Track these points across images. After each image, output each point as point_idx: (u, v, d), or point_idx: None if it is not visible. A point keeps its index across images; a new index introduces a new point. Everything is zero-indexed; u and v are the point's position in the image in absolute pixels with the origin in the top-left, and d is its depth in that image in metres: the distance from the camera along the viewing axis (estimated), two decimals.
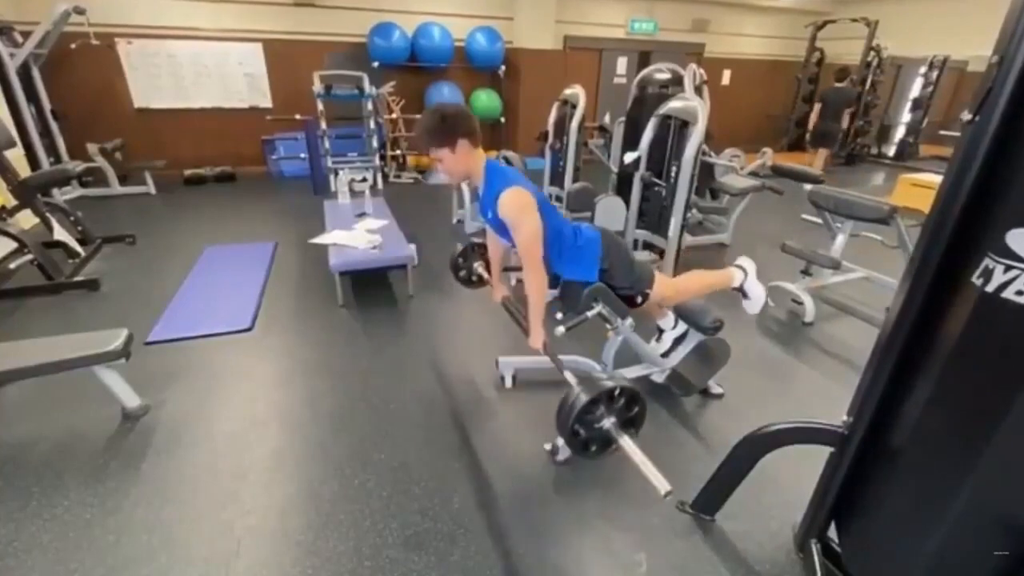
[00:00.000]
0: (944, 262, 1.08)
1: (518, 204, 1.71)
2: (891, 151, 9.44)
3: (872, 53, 8.10)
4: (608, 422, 1.47)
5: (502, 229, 1.85)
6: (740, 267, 2.36)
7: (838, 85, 7.24)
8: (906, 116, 9.33)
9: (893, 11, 8.55)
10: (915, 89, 9.09)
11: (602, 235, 2.03)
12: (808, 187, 3.44)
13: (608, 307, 2.02)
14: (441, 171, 1.81)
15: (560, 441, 1.90)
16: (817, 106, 7.40)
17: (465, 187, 4.64)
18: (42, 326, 2.93)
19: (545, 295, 1.83)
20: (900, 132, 9.53)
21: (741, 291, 2.36)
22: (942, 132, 9.24)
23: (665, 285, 2.16)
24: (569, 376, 1.64)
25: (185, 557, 1.60)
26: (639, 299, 2.10)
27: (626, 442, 1.45)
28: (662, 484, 1.32)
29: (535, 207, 1.75)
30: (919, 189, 5.77)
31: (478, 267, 2.48)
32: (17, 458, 1.97)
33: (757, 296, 2.34)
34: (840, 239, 3.35)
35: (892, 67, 8.83)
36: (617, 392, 1.47)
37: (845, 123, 7.33)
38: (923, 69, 8.69)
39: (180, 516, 1.74)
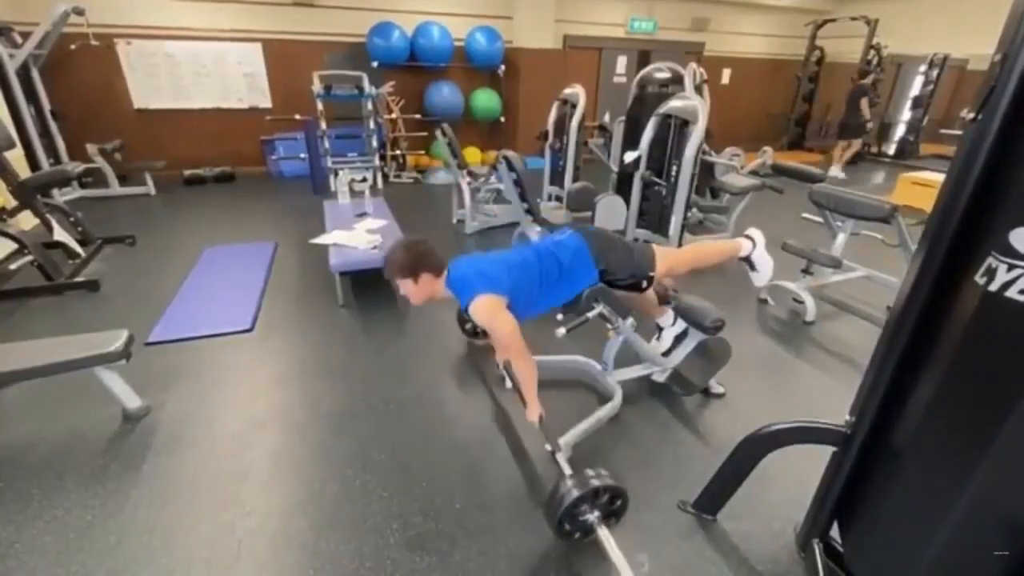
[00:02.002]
0: (947, 261, 1.08)
1: (487, 312, 1.81)
2: (891, 150, 9.43)
3: (872, 52, 8.09)
4: (592, 516, 1.57)
5: None
6: (749, 237, 2.32)
7: (862, 82, 7.42)
8: (906, 114, 9.32)
9: (893, 9, 8.54)
10: (915, 87, 9.07)
11: (587, 239, 2.03)
12: (815, 185, 3.43)
13: (608, 307, 2.02)
14: (407, 295, 1.93)
15: (561, 441, 1.90)
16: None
17: (465, 187, 4.64)
18: (42, 327, 2.93)
19: (535, 377, 1.89)
20: (900, 131, 9.51)
21: (748, 262, 2.32)
22: (943, 131, 9.23)
23: (670, 258, 2.17)
24: (562, 462, 1.72)
25: (186, 558, 1.59)
26: (645, 283, 2.09)
27: (604, 533, 1.55)
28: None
29: (503, 307, 1.83)
30: (920, 188, 5.76)
31: None
32: (18, 459, 1.97)
33: (765, 268, 2.30)
34: (841, 238, 3.35)
35: (892, 65, 8.82)
36: (603, 491, 1.56)
37: (866, 114, 7.41)
38: (923, 67, 8.67)
39: (181, 517, 1.74)
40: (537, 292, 1.95)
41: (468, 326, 2.72)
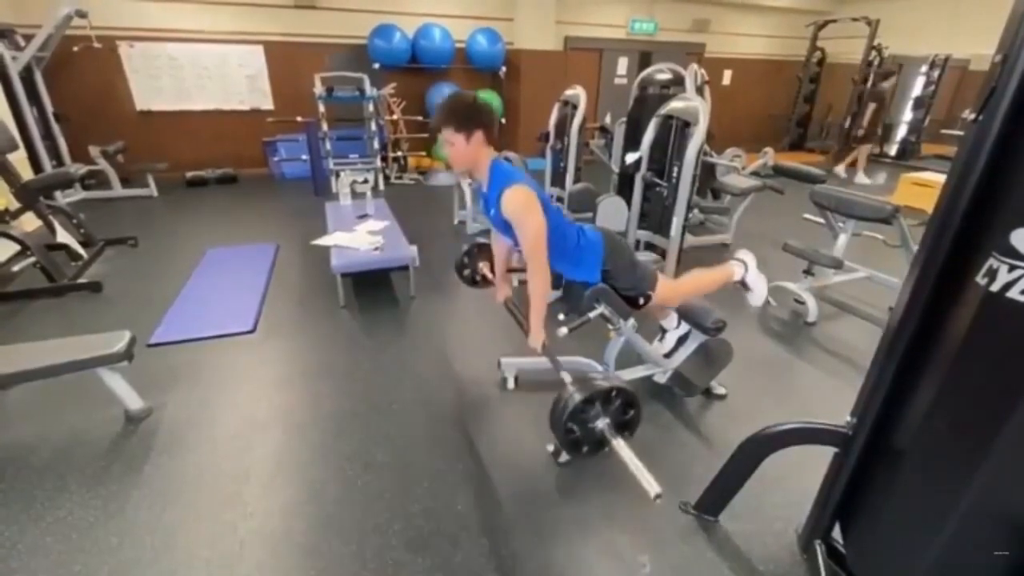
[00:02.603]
0: (948, 262, 1.08)
1: (522, 202, 1.70)
2: (893, 150, 9.41)
3: (873, 52, 8.09)
4: (602, 423, 1.48)
5: (505, 228, 1.85)
6: (740, 260, 2.36)
7: (882, 84, 7.41)
8: (908, 115, 9.31)
9: (894, 10, 8.54)
10: (917, 88, 9.06)
11: (604, 237, 2.03)
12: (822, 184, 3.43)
13: (610, 308, 2.02)
14: (449, 155, 1.79)
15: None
16: (872, 105, 7.49)
17: (467, 188, 4.64)
18: (45, 328, 2.94)
19: (548, 295, 1.83)
20: (902, 131, 9.50)
21: (743, 284, 2.36)
22: (944, 131, 9.22)
23: (668, 287, 2.16)
24: (565, 376, 1.64)
25: (188, 559, 1.60)
26: (641, 300, 2.09)
27: (619, 444, 1.45)
28: (652, 487, 1.33)
29: (539, 205, 1.74)
30: (921, 188, 5.76)
31: (483, 267, 2.48)
32: (21, 460, 1.97)
33: (759, 288, 2.35)
34: (842, 239, 3.35)
35: (894, 66, 8.80)
36: (613, 393, 1.47)
37: (865, 120, 7.37)
38: (925, 68, 8.66)
39: (183, 518, 1.74)
40: (552, 243, 1.85)
41: (467, 272, 2.56)
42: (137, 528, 1.69)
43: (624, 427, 1.53)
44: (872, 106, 7.36)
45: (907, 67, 9.17)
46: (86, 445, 2.05)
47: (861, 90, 8.29)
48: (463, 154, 1.74)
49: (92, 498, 1.80)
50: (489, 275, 2.45)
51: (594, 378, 1.50)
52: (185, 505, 1.79)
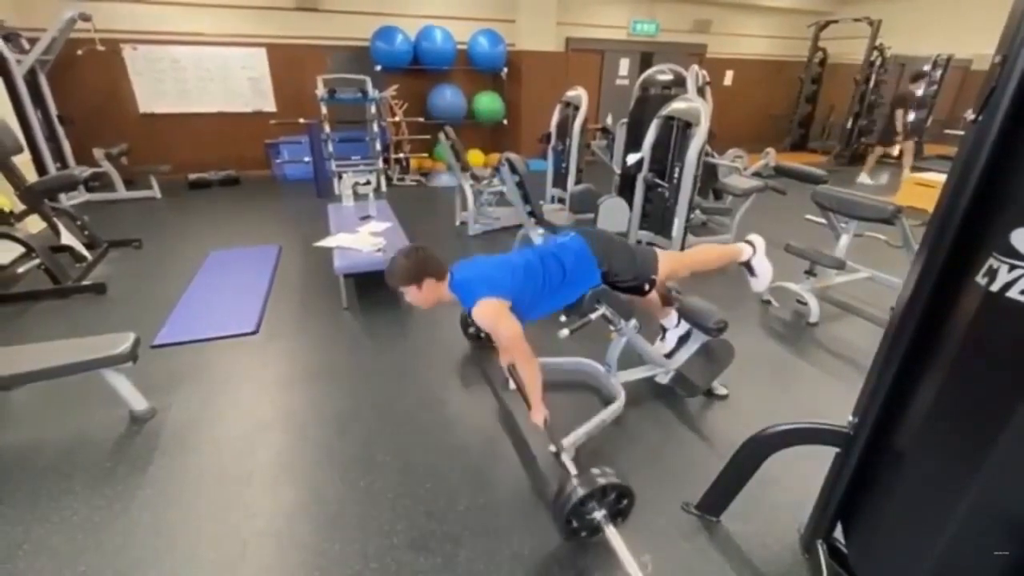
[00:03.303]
0: (949, 262, 1.08)
1: (491, 316, 1.82)
2: (895, 150, 9.39)
3: (875, 52, 8.08)
4: (599, 514, 1.58)
5: None
6: (750, 243, 2.35)
7: (911, 87, 7.31)
8: (910, 115, 9.28)
9: (896, 10, 8.53)
10: (919, 88, 9.04)
11: (589, 241, 2.04)
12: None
13: (611, 309, 2.02)
14: (414, 302, 1.95)
15: (564, 442, 1.90)
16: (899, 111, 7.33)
17: (468, 189, 4.66)
18: (50, 330, 2.96)
19: (539, 378, 1.89)
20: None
21: (748, 267, 2.34)
22: (946, 131, 9.20)
23: (671, 261, 2.18)
24: (567, 462, 1.73)
25: (192, 559, 1.61)
26: (647, 286, 2.10)
27: (611, 532, 1.55)
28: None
29: (506, 311, 1.84)
30: (923, 188, 5.75)
31: None
32: (26, 461, 1.98)
33: (764, 273, 2.33)
34: (844, 239, 3.34)
35: (896, 66, 8.80)
36: (609, 489, 1.57)
37: (899, 122, 7.21)
38: (927, 68, 8.65)
39: (187, 519, 1.75)
40: (540, 295, 1.96)
41: (471, 329, 2.72)
42: (142, 528, 1.70)
43: (618, 515, 1.64)
44: (899, 111, 7.15)
45: (909, 67, 9.15)
46: (91, 446, 2.07)
47: (863, 90, 8.28)
48: (423, 298, 1.92)
49: (97, 498, 1.81)
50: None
51: (594, 475, 1.58)
52: (189, 505, 1.80)
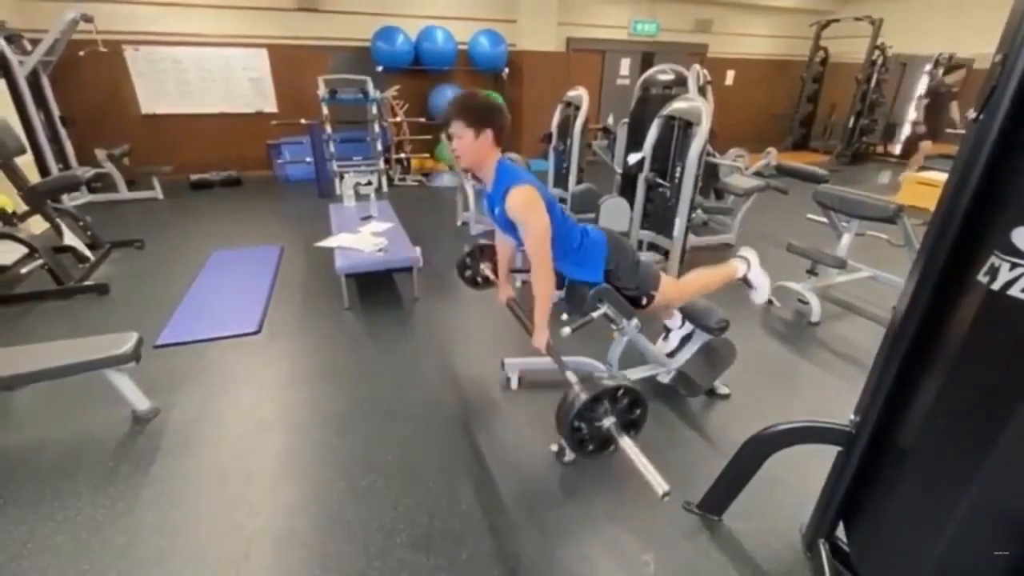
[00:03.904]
0: (950, 260, 1.09)
1: (527, 201, 1.70)
2: (897, 149, 9.39)
3: (877, 52, 8.07)
4: (608, 421, 1.49)
5: (509, 227, 1.86)
6: (743, 258, 2.36)
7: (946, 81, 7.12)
8: (912, 114, 9.28)
9: (897, 9, 8.52)
10: (921, 87, 9.03)
11: (608, 237, 2.04)
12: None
13: (613, 308, 2.03)
14: (455, 148, 1.78)
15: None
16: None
17: (470, 189, 4.66)
18: (53, 330, 2.97)
19: (553, 295, 1.84)
20: (906, 130, 9.47)
21: (746, 282, 2.36)
22: (948, 130, 9.18)
23: (671, 287, 2.16)
24: (571, 376, 1.65)
25: (195, 559, 1.61)
26: (644, 301, 2.10)
27: (626, 442, 1.46)
28: (660, 484, 1.33)
29: (543, 205, 1.75)
30: (925, 187, 5.74)
31: (485, 268, 2.49)
32: (30, 461, 1.99)
33: (762, 285, 2.35)
34: (846, 238, 3.34)
35: (897, 65, 8.78)
36: (620, 392, 1.48)
37: (956, 113, 6.98)
38: (928, 67, 8.64)
39: (190, 518, 1.76)
40: (556, 242, 1.86)
41: (468, 273, 2.57)
42: (145, 527, 1.71)
43: (630, 426, 1.54)
44: (954, 102, 6.95)
45: (911, 66, 9.14)
46: (94, 445, 2.07)
47: (865, 89, 8.27)
48: (470, 149, 1.75)
49: (101, 498, 1.82)
50: (491, 276, 2.46)
51: (600, 377, 1.51)
52: (192, 505, 1.81)
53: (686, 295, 2.27)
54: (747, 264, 2.34)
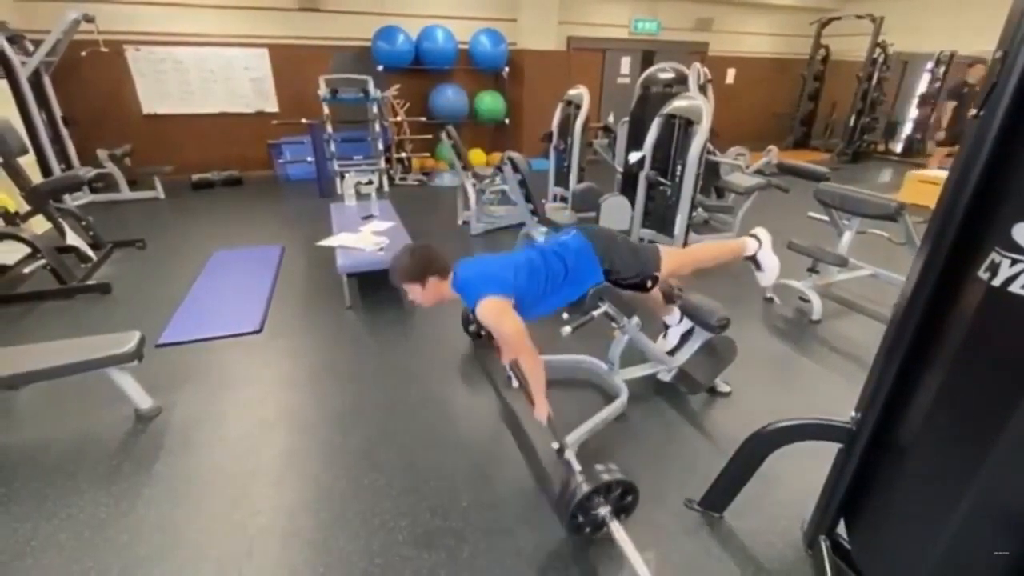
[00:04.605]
0: (951, 257, 1.09)
1: (493, 314, 1.81)
2: (898, 147, 9.37)
3: (878, 50, 8.05)
4: (603, 510, 1.58)
5: None
6: (755, 237, 2.31)
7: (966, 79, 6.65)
8: (913, 112, 9.27)
9: (898, 7, 8.50)
10: (922, 85, 9.02)
11: (591, 239, 2.04)
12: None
13: (613, 306, 2.03)
14: (415, 300, 1.97)
15: (568, 439, 1.91)
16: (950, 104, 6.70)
17: (470, 188, 4.66)
18: (55, 329, 2.98)
19: (543, 375, 1.89)
20: (907, 128, 9.46)
21: (754, 261, 2.31)
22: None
23: (674, 258, 2.16)
24: (571, 459, 1.73)
25: (198, 556, 1.62)
26: (649, 283, 2.10)
27: (616, 527, 1.56)
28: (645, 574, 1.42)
29: (510, 309, 1.83)
30: (927, 185, 5.73)
31: None
32: (33, 459, 2.00)
33: (771, 267, 2.29)
34: (847, 236, 3.34)
35: (898, 63, 8.77)
36: (615, 484, 1.58)
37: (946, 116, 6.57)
38: (930, 65, 8.62)
39: (192, 516, 1.76)
40: (543, 293, 1.96)
41: (472, 327, 2.72)
42: (148, 525, 1.72)
43: (622, 511, 1.64)
44: (950, 104, 6.53)
45: (912, 64, 9.13)
46: (97, 444, 2.08)
47: (866, 87, 8.24)
48: (426, 297, 1.95)
49: (103, 496, 1.83)
50: None
51: (600, 471, 1.59)
52: (194, 503, 1.82)
53: (692, 262, 2.27)
54: (758, 244, 2.29)
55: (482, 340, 2.68)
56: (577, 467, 1.67)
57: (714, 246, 2.30)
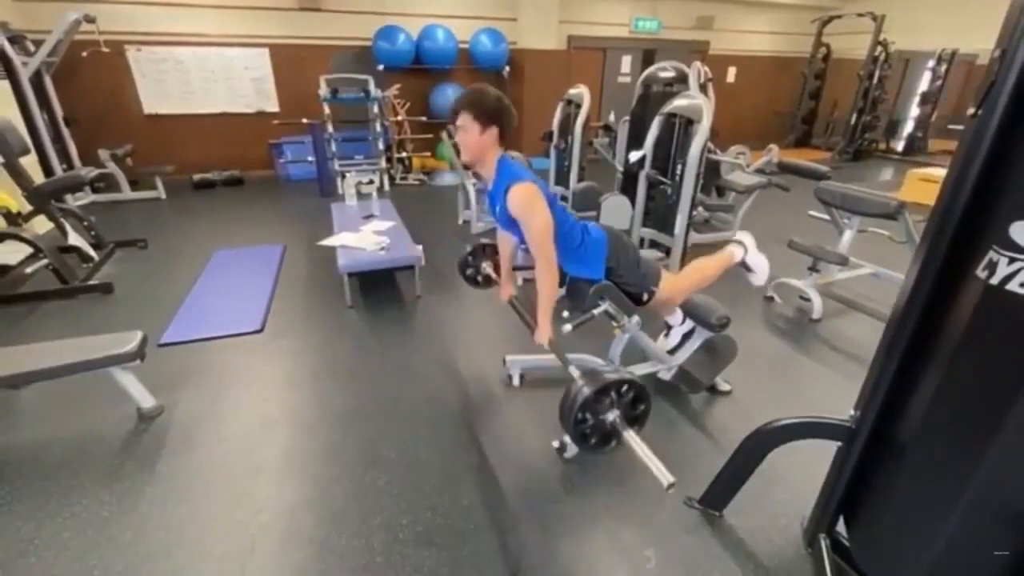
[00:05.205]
0: (949, 255, 1.09)
1: (528, 198, 1.72)
2: (900, 146, 9.36)
3: (879, 48, 8.04)
4: (612, 415, 1.48)
5: (510, 224, 1.87)
6: (738, 242, 2.34)
7: None
8: (915, 111, 9.25)
9: (899, 5, 8.48)
10: (923, 83, 9.00)
11: (609, 235, 2.04)
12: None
13: (615, 305, 2.03)
14: (460, 141, 1.79)
15: (568, 438, 1.92)
16: None
17: (471, 188, 4.66)
18: (57, 329, 2.99)
19: (556, 290, 1.85)
20: (909, 127, 9.44)
21: (744, 266, 2.34)
22: (950, 126, 9.15)
23: (671, 283, 2.16)
24: (574, 370, 1.66)
25: (200, 554, 1.63)
26: (645, 297, 2.11)
27: (630, 435, 1.46)
28: (665, 477, 1.34)
29: (544, 202, 1.76)
30: (928, 184, 5.72)
31: (486, 267, 2.50)
32: (36, 458, 2.01)
33: (761, 268, 2.32)
34: (847, 235, 3.34)
35: (900, 61, 8.75)
36: (624, 387, 1.49)
37: None
38: (931, 63, 8.60)
39: (195, 514, 1.77)
40: (557, 239, 1.88)
41: (469, 272, 2.58)
42: (150, 524, 1.73)
43: (634, 421, 1.54)
44: None
45: (913, 62, 9.11)
46: (99, 443, 2.09)
47: (867, 86, 8.23)
48: (474, 143, 1.76)
49: (106, 495, 1.84)
50: (492, 275, 2.47)
51: (604, 370, 1.51)
52: (197, 501, 1.82)
53: (687, 289, 2.27)
54: (743, 248, 2.32)
55: (480, 286, 2.57)
56: (577, 373, 1.58)
57: (706, 267, 2.28)
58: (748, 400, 2.40)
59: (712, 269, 2.30)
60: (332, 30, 6.79)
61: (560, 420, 1.54)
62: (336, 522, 1.74)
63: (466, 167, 4.74)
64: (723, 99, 6.49)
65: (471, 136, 1.75)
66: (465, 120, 1.74)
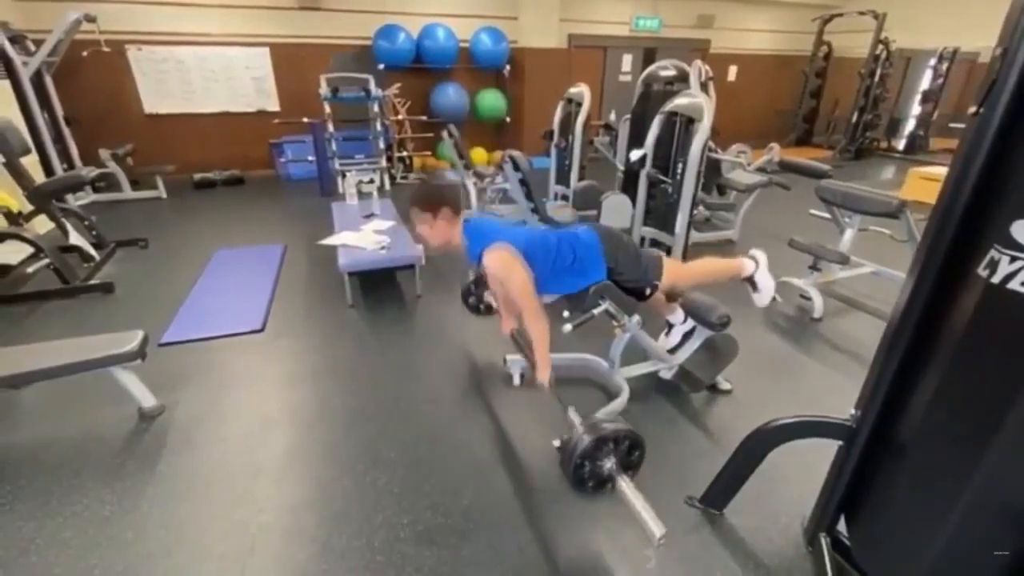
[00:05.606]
0: (950, 254, 1.09)
1: (501, 264, 1.79)
2: (901, 144, 9.34)
3: (880, 46, 8.03)
4: (609, 463, 1.56)
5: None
6: (753, 258, 2.34)
7: None
8: (916, 109, 9.23)
9: (901, 3, 8.46)
10: (925, 82, 8.99)
11: (601, 236, 2.04)
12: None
13: (615, 304, 2.03)
14: (422, 234, 1.92)
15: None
16: None
17: (472, 187, 4.66)
18: (58, 329, 2.99)
19: (547, 335, 1.88)
20: (910, 125, 9.42)
21: (751, 282, 2.33)
22: (951, 125, 9.13)
23: (674, 272, 2.17)
24: (574, 418, 1.71)
25: (201, 554, 1.63)
26: (648, 291, 2.10)
27: (624, 482, 1.53)
28: (657, 527, 1.38)
29: (518, 261, 1.81)
30: (929, 183, 5.71)
31: (488, 297, 2.52)
32: (37, 457, 2.01)
33: (766, 288, 2.32)
34: (848, 234, 3.33)
35: (901, 60, 8.73)
36: (621, 436, 1.55)
37: None
38: (933, 61, 8.59)
39: (196, 514, 1.77)
40: (549, 272, 1.93)
41: (472, 300, 2.64)
42: (151, 523, 1.73)
43: (629, 467, 1.61)
44: None
45: (915, 60, 9.10)
46: (100, 442, 2.09)
47: (868, 84, 8.22)
48: (434, 232, 1.89)
49: (107, 494, 1.84)
50: (495, 304, 2.48)
51: (602, 421, 1.57)
52: (198, 501, 1.83)
53: (690, 278, 2.27)
54: (755, 265, 2.32)
55: (481, 313, 2.59)
56: (578, 421, 1.65)
57: (715, 265, 2.31)
58: (749, 399, 2.40)
59: (719, 271, 2.30)
60: (332, 29, 6.79)
61: (560, 466, 1.60)
62: (337, 522, 1.74)
63: (467, 166, 4.74)
64: (724, 98, 6.48)
65: (430, 229, 1.88)
66: (417, 216, 1.87)
